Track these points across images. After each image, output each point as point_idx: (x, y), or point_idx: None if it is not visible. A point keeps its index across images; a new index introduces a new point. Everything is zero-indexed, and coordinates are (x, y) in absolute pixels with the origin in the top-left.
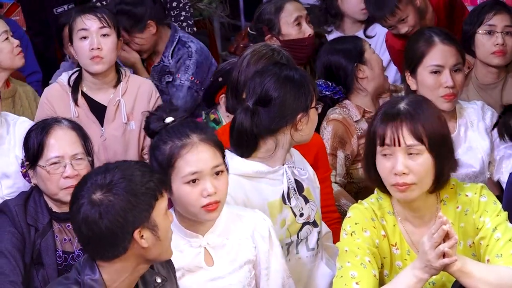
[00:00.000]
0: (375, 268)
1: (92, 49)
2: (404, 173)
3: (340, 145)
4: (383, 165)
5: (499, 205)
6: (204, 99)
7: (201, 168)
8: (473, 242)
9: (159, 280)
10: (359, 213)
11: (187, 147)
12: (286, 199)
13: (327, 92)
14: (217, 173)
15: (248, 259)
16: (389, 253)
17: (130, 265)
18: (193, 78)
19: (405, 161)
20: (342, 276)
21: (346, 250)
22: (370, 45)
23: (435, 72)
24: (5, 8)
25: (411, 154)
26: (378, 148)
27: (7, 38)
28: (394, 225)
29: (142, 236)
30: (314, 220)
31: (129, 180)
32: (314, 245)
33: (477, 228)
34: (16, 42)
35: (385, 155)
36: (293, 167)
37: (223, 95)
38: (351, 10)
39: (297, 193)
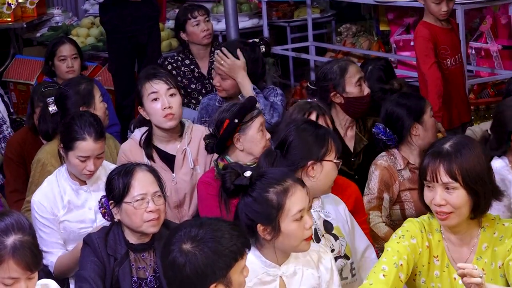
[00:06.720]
0: (403, 272)
1: (165, 108)
2: (441, 204)
3: (386, 189)
4: (426, 195)
5: None
6: (219, 145)
7: (304, 205)
8: (503, 264)
9: None
10: (411, 224)
11: (290, 189)
12: (315, 239)
13: (382, 137)
14: (309, 208)
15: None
16: (427, 263)
17: None
18: None
19: (442, 194)
20: (375, 266)
21: (388, 250)
22: (431, 108)
23: None
24: (89, 70)
25: (448, 188)
26: (424, 181)
27: (102, 101)
28: (439, 241)
29: None
30: (345, 253)
31: (216, 240)
32: (347, 274)
33: (507, 251)
34: (105, 105)
35: (428, 186)
36: (319, 210)
37: (237, 133)
38: None
39: (327, 232)
